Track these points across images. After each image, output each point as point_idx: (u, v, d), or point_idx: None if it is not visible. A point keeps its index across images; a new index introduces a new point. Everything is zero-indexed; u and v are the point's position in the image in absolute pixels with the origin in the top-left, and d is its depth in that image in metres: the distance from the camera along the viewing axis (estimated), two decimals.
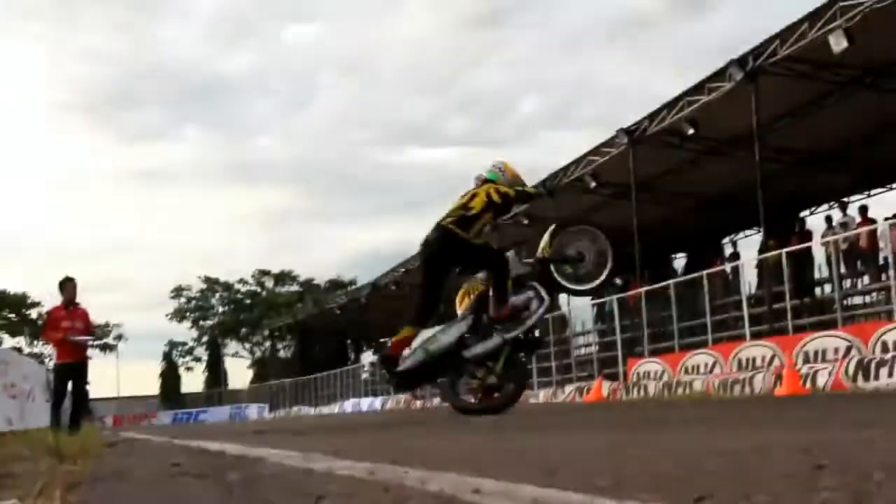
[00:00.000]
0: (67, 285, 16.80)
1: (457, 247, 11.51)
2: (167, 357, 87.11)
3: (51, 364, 16.62)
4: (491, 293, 11.86)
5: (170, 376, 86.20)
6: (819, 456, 3.37)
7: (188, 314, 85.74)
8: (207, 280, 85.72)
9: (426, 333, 11.76)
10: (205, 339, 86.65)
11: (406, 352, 11.65)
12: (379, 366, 12.34)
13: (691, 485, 2.73)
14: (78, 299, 16.92)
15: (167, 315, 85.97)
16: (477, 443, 5.57)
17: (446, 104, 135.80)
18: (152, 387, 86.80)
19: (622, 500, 2.45)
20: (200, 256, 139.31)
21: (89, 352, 17.64)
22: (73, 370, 16.54)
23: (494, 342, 11.79)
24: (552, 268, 12.10)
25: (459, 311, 12.30)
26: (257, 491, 3.30)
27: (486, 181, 11.89)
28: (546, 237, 12.23)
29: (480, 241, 11.67)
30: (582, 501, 2.41)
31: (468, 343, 11.70)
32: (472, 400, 12.19)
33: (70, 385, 16.56)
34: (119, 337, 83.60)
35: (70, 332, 16.39)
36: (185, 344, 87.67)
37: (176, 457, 5.87)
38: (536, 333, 12.62)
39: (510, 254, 12.22)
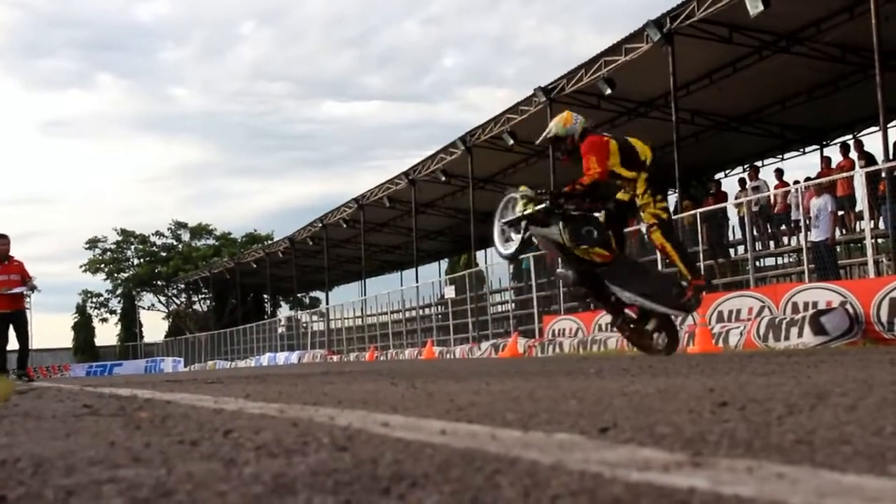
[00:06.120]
0: None
1: None
2: (81, 309, 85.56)
3: None
4: None
5: (83, 328, 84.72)
6: (723, 395, 3.44)
7: (103, 266, 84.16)
8: (123, 232, 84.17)
9: None
10: (120, 291, 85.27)
11: None
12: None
13: (597, 419, 2.77)
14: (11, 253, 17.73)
15: (81, 266, 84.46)
16: (389, 388, 5.60)
17: (365, 58, 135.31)
18: (65, 339, 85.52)
19: (528, 431, 2.48)
20: (114, 208, 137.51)
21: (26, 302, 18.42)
22: (7, 320, 17.42)
23: None
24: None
25: None
26: (166, 427, 3.29)
27: None
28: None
29: None
30: (488, 433, 2.43)
31: None
32: None
33: (14, 333, 17.57)
34: (32, 288, 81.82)
35: (5, 285, 17.18)
36: (99, 295, 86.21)
37: (87, 400, 5.82)
38: None
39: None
